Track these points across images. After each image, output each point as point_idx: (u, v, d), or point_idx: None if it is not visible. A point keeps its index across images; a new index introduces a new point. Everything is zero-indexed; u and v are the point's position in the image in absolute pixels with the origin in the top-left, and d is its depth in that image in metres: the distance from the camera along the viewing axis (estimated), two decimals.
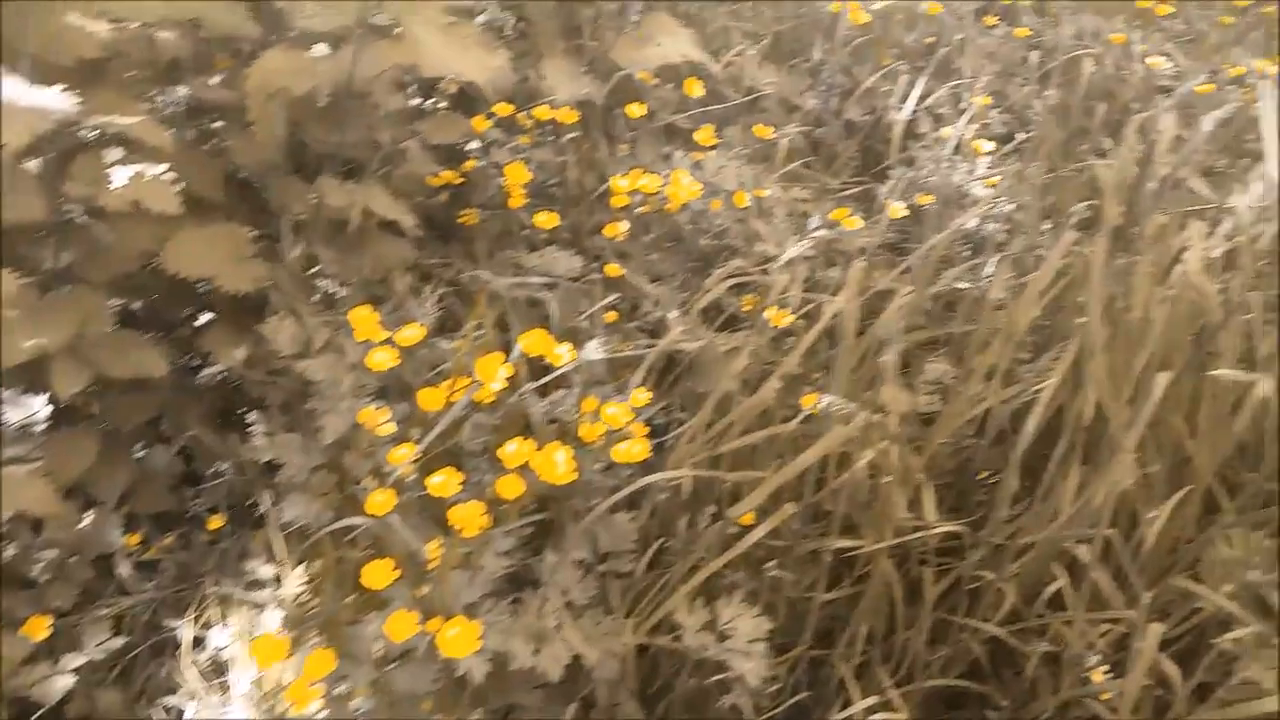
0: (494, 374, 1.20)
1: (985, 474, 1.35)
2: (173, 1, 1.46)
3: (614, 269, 1.68)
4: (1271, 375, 1.17)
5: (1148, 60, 2.22)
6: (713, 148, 2.09)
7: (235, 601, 1.49)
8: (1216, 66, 2.18)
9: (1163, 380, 1.16)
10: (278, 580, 1.49)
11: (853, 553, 1.30)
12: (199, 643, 1.44)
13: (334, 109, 1.63)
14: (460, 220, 1.82)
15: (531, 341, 1.27)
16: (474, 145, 1.89)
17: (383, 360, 1.25)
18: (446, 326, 1.63)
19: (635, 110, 1.87)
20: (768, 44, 2.55)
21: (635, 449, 1.18)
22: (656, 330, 1.67)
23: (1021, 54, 2.28)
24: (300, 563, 1.42)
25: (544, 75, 1.95)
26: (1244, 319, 1.22)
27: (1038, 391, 1.27)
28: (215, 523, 1.59)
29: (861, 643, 1.31)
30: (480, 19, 2.39)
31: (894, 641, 1.32)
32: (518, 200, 1.75)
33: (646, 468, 1.26)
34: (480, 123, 1.72)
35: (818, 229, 1.94)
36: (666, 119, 2.17)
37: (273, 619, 1.44)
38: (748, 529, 1.20)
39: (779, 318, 1.44)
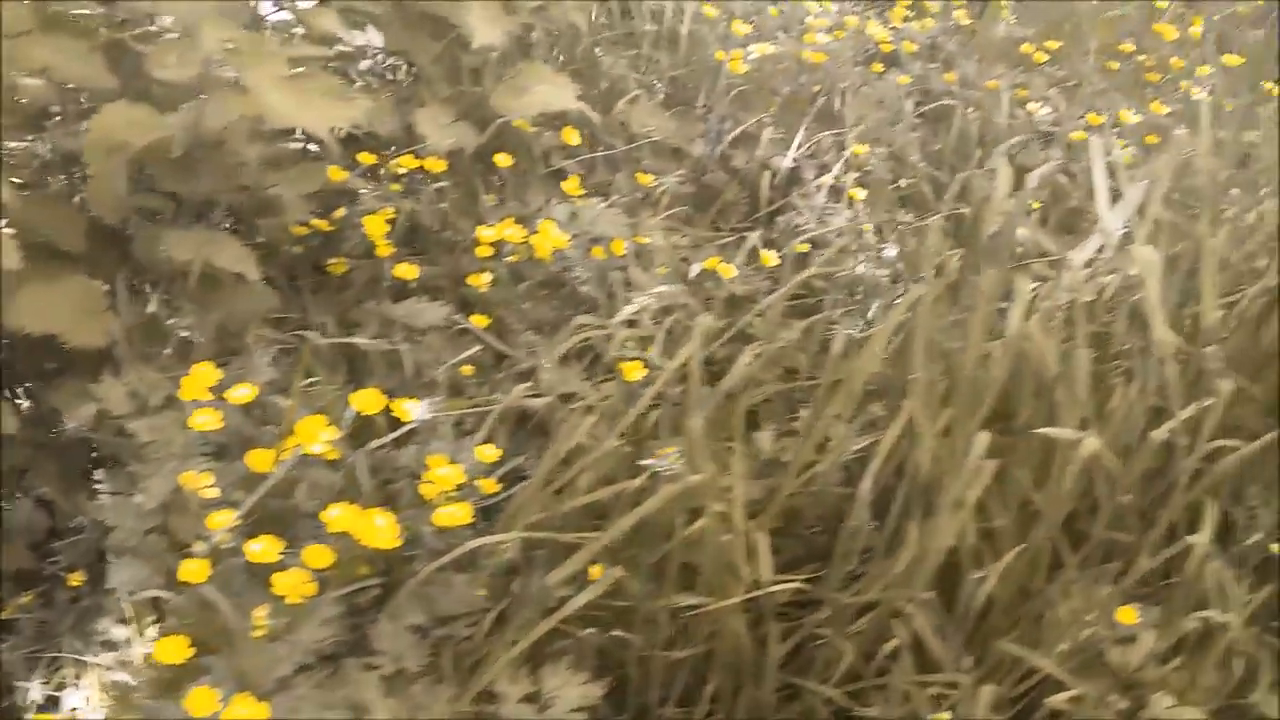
0: (315, 436, 1.17)
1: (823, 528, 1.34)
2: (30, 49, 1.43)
3: (480, 319, 1.66)
4: (1097, 433, 1.18)
5: (1027, 106, 2.25)
6: (597, 195, 2.09)
7: (89, 664, 1.44)
8: (1089, 112, 2.21)
9: (984, 438, 1.16)
10: (129, 642, 1.44)
11: (700, 610, 1.28)
12: (51, 704, 1.38)
13: (187, 160, 1.60)
14: (329, 270, 1.79)
15: (363, 400, 1.24)
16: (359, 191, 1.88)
17: (206, 421, 1.21)
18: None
19: (503, 160, 1.86)
20: (663, 91, 2.56)
21: (457, 513, 1.14)
22: (529, 380, 1.65)
23: (903, 101, 2.31)
24: (152, 624, 1.37)
25: (416, 123, 1.93)
26: (1079, 372, 1.22)
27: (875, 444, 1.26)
28: (76, 580, 1.54)
29: (707, 703, 1.29)
30: (366, 64, 2.39)
31: (741, 700, 1.30)
32: (384, 250, 1.72)
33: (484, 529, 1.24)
34: (336, 173, 1.69)
35: (695, 276, 1.94)
36: (557, 165, 2.17)
37: (121, 681, 1.38)
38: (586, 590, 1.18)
39: (630, 370, 1.43)
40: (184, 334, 1.59)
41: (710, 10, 2.40)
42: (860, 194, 2.07)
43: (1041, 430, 1.20)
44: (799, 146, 2.28)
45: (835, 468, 1.35)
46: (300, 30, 1.96)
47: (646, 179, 2.11)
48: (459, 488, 1.32)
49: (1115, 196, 1.32)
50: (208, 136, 1.57)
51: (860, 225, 2.03)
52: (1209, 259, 1.31)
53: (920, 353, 1.21)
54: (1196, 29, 2.37)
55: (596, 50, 2.58)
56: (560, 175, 2.27)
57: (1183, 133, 1.75)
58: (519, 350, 1.71)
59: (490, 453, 1.33)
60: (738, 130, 2.36)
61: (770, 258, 1.89)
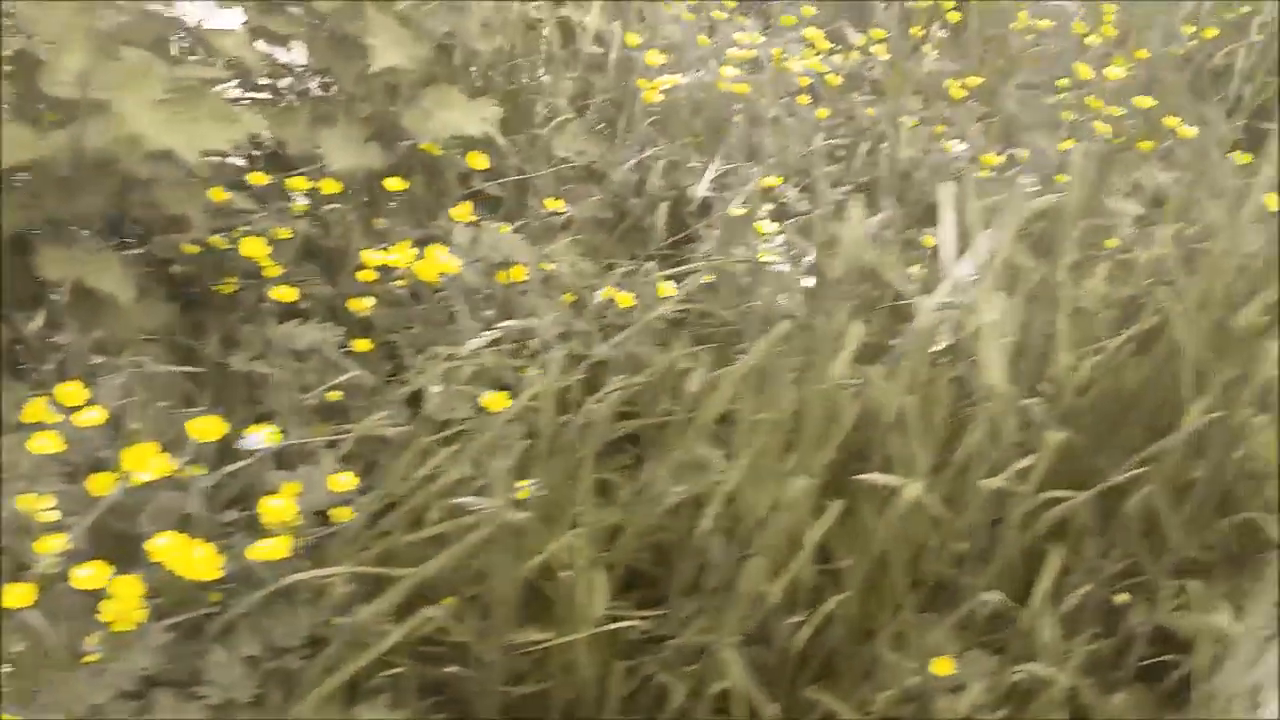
0: (144, 462, 1.17)
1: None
2: None
3: (363, 343, 1.66)
4: (918, 480, 1.18)
5: (943, 143, 2.26)
6: (512, 219, 2.10)
7: None
8: (991, 152, 2.23)
9: (801, 483, 1.16)
10: None
11: (541, 646, 1.28)
12: None
13: (71, 179, 1.61)
14: (218, 289, 1.79)
15: (201, 427, 1.24)
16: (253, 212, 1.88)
17: (44, 444, 1.21)
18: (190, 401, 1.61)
19: (395, 184, 1.86)
20: (594, 116, 2.57)
21: (275, 546, 1.14)
22: (412, 404, 1.65)
23: (820, 134, 2.32)
24: None
25: (320, 143, 1.94)
26: (911, 419, 1.23)
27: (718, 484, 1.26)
28: None
29: None
30: (287, 82, 2.39)
31: None
32: (272, 270, 1.73)
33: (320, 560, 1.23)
34: (219, 193, 1.70)
35: (596, 304, 1.94)
36: (478, 186, 2.18)
37: None
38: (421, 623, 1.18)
39: (493, 402, 1.43)
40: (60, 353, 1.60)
41: (632, 38, 2.41)
42: (767, 226, 2.07)
43: (862, 476, 1.20)
44: (716, 176, 2.29)
45: (688, 505, 1.35)
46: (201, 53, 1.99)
47: (557, 204, 2.11)
48: (319, 514, 1.34)
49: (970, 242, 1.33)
50: (95, 156, 1.58)
51: (760, 256, 2.03)
52: (1064, 305, 1.31)
53: (747, 391, 1.21)
54: (1118, 70, 2.38)
55: (540, 73, 2.60)
56: (480, 198, 2.28)
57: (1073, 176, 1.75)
58: (411, 374, 1.72)
59: (345, 481, 1.33)
60: (660, 157, 2.37)
61: (667, 289, 1.89)
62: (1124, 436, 1.36)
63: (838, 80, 2.45)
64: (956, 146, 2.26)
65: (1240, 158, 1.95)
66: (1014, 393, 1.24)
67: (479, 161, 2.04)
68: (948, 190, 1.36)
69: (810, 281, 1.97)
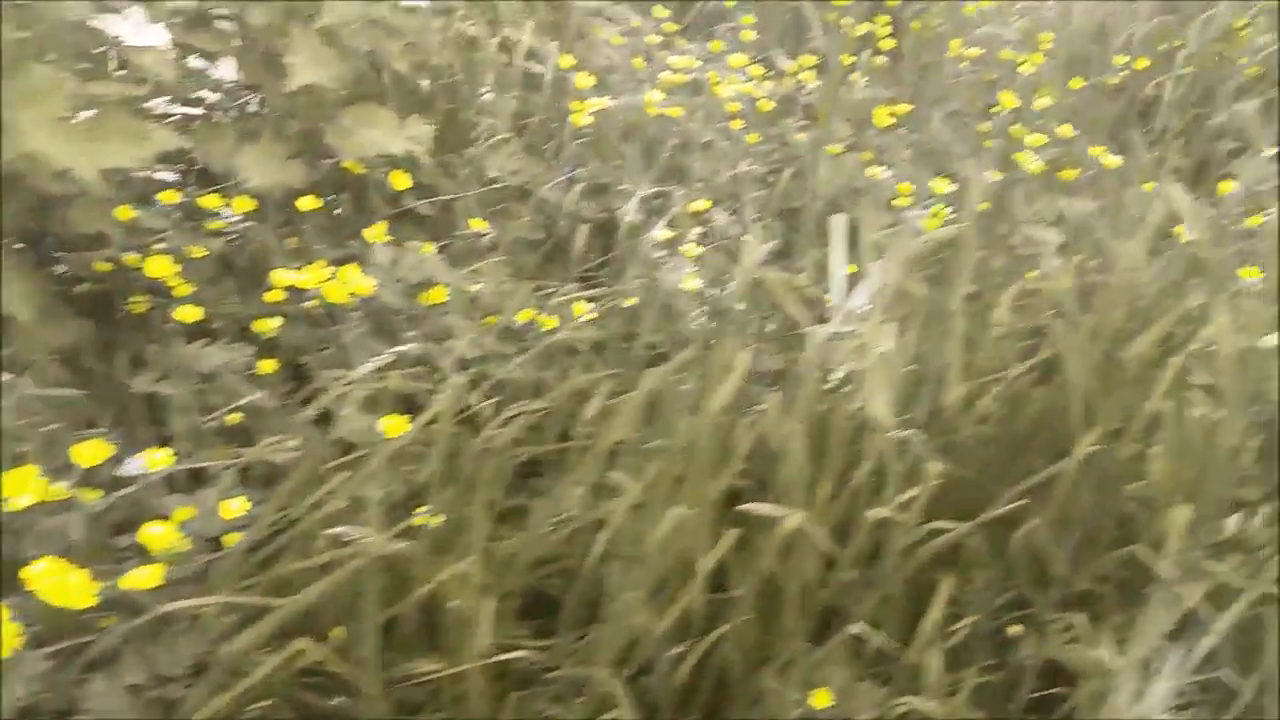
0: (24, 487, 1.15)
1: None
2: None
3: (268, 364, 1.64)
4: (800, 511, 1.18)
5: (867, 170, 2.27)
6: (440, 238, 2.09)
7: None
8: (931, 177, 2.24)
9: (675, 512, 1.16)
10: None
11: (431, 677, 1.27)
12: None
13: None
14: (130, 308, 1.76)
15: (84, 451, 1.22)
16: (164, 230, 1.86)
17: None
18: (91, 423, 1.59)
19: (308, 203, 1.85)
20: (529, 136, 2.57)
21: (146, 575, 1.13)
22: (323, 422, 1.64)
23: (751, 159, 2.33)
24: None
25: (239, 160, 1.92)
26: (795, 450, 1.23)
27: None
28: None
29: None
30: (216, 98, 2.37)
31: None
32: (183, 290, 1.71)
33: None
34: (125, 212, 1.68)
35: (519, 326, 1.94)
36: (408, 205, 2.18)
37: None
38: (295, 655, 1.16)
39: (394, 427, 1.41)
40: None
41: (566, 60, 2.41)
42: (695, 250, 2.08)
43: (744, 507, 1.20)
44: (647, 198, 2.29)
45: (585, 532, 1.34)
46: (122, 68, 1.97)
47: (481, 224, 2.11)
48: (211, 540, 1.32)
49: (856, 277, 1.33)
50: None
51: (684, 280, 2.04)
52: (956, 336, 1.32)
53: (626, 422, 1.21)
54: (1043, 100, 2.41)
55: (483, 92, 2.60)
56: (411, 217, 2.28)
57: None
58: (321, 396, 1.70)
59: (237, 506, 1.32)
60: (591, 179, 2.37)
61: (584, 310, 1.88)
62: (1021, 467, 1.37)
63: (770, 106, 2.46)
64: (884, 173, 2.27)
65: (1150, 187, 1.97)
66: (896, 424, 1.24)
67: (402, 181, 2.03)
68: (839, 221, 1.37)
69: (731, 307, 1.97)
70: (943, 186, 1.99)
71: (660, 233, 2.15)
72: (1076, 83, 2.71)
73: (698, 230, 2.21)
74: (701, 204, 2.23)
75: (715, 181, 2.35)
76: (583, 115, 2.20)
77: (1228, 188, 1.88)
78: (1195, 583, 1.23)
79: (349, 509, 1.24)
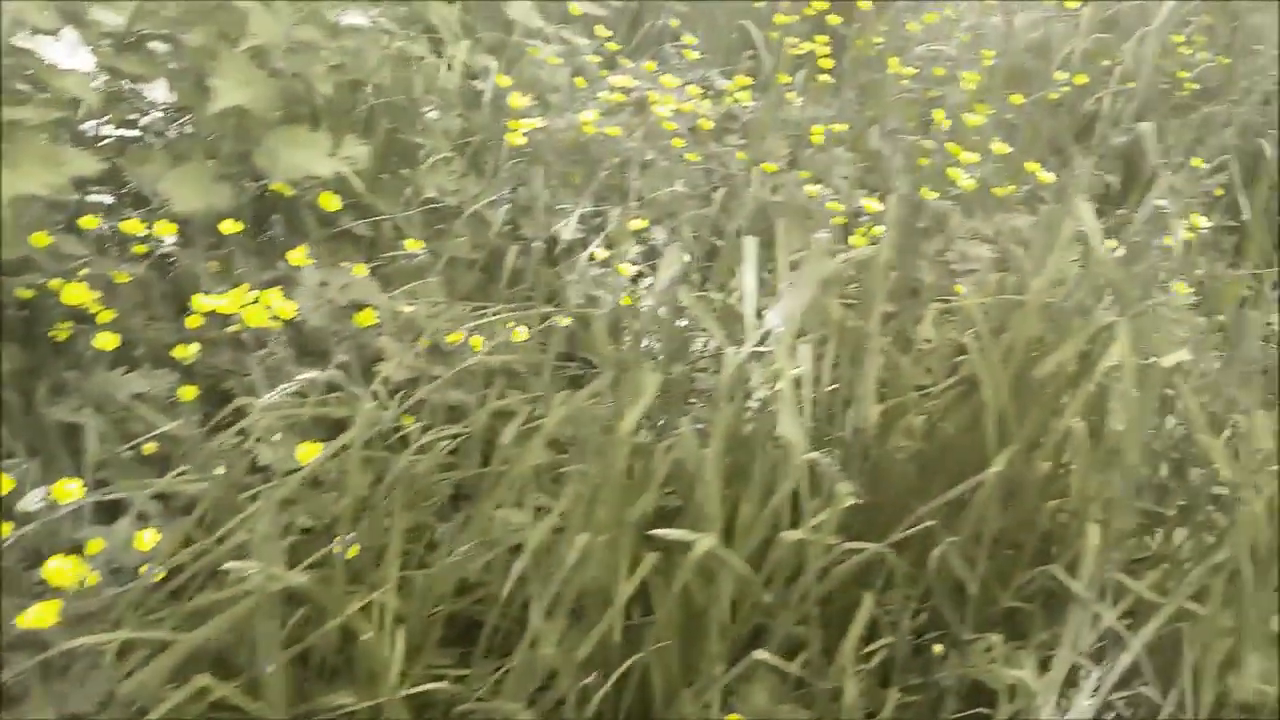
0: None
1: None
2: None
3: (188, 391, 1.61)
4: (712, 535, 1.17)
5: (805, 188, 2.28)
6: (374, 259, 2.08)
7: None
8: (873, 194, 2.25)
9: (583, 539, 1.15)
10: None
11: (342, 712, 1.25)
12: None
13: None
14: (53, 335, 1.73)
15: None
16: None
17: None
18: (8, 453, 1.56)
19: (229, 226, 1.83)
20: (470, 155, 2.55)
21: (40, 614, 1.10)
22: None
23: (690, 178, 2.32)
24: None
25: (163, 184, 1.90)
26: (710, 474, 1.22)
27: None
28: None
29: None
30: (148, 120, 2.35)
31: None
32: (105, 315, 1.68)
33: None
34: (40, 239, 1.65)
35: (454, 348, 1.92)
36: (346, 225, 2.16)
37: None
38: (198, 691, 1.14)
39: (306, 454, 1.39)
40: None
41: (503, 79, 2.40)
42: (629, 269, 2.07)
43: (656, 532, 1.19)
44: (586, 217, 2.28)
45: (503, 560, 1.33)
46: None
47: (417, 244, 2.09)
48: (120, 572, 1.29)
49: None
50: None
51: (622, 299, 2.03)
52: (871, 357, 1.32)
53: (534, 450, 1.20)
54: (979, 117, 2.42)
55: (428, 110, 2.59)
56: (348, 237, 2.26)
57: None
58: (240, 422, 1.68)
59: (148, 539, 1.29)
60: (530, 198, 2.36)
61: (520, 333, 1.87)
62: (942, 485, 1.36)
63: (710, 124, 2.46)
64: (821, 192, 2.27)
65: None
66: (812, 445, 1.23)
67: (331, 203, 2.01)
68: (750, 243, 1.36)
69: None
70: (873, 205, 1.99)
71: (597, 251, 2.14)
72: (1017, 99, 2.73)
73: (637, 249, 2.21)
74: (639, 223, 2.22)
75: (656, 200, 2.34)
76: (518, 135, 2.18)
77: (1135, 203, 1.90)
78: (1113, 599, 1.23)
79: (258, 539, 1.22)
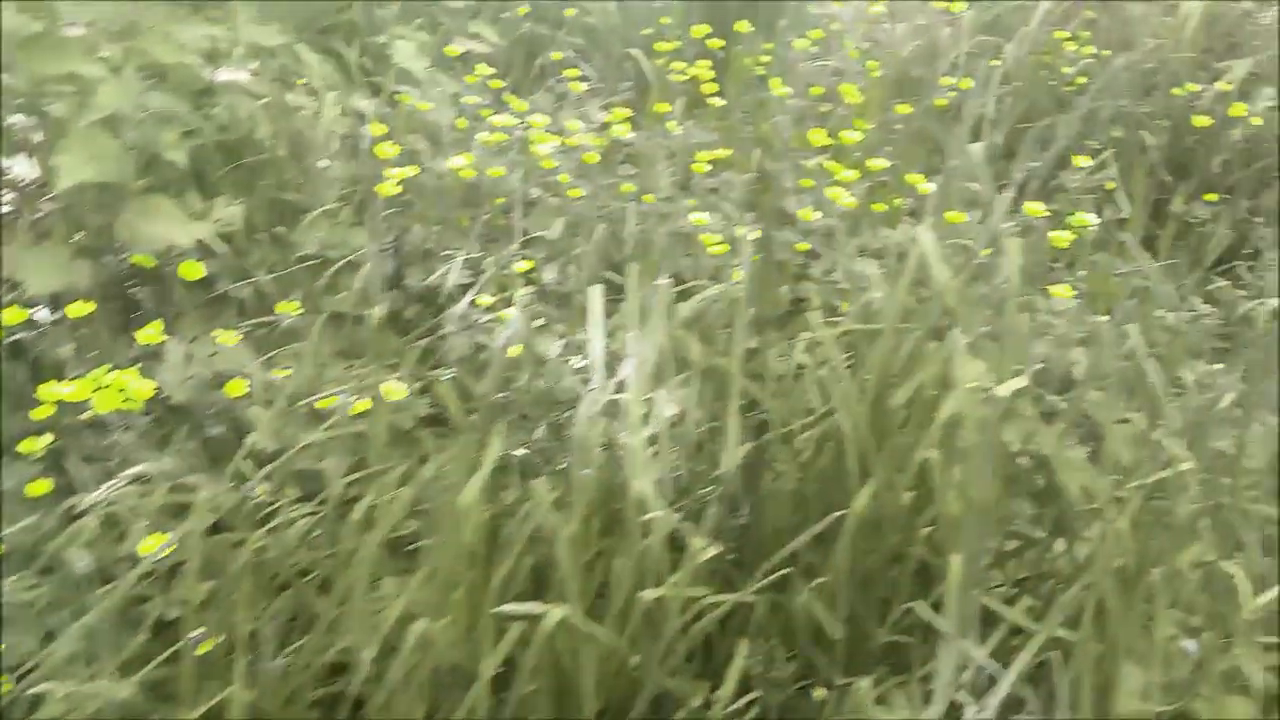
0: None
1: None
2: None
3: (40, 486, 1.54)
4: (569, 607, 1.12)
5: (691, 217, 2.24)
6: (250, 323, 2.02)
7: None
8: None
9: (418, 626, 1.10)
10: None
11: None
12: None
13: None
14: None
15: None
16: None
17: None
18: None
19: (77, 309, 1.76)
20: (351, 207, 2.50)
21: None
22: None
23: (574, 214, 2.29)
24: None
25: (15, 267, 1.83)
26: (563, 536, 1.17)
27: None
28: None
29: None
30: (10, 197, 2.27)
31: None
32: None
33: None
34: None
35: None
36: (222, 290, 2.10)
37: None
38: None
39: (146, 546, 1.33)
40: None
41: (377, 127, 2.36)
42: (511, 314, 2.02)
43: (503, 608, 1.14)
44: (471, 262, 2.23)
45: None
46: None
47: (290, 306, 2.03)
48: None
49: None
50: None
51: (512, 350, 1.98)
52: (733, 395, 1.28)
53: (389, 517, 1.15)
54: (857, 134, 2.40)
55: (308, 164, 2.53)
56: (227, 301, 2.20)
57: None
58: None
59: None
60: (413, 246, 2.31)
61: (395, 391, 1.81)
62: (815, 523, 1.32)
63: (595, 158, 2.42)
64: (706, 220, 2.24)
65: (955, 217, 1.96)
66: (661, 499, 1.19)
67: (193, 272, 1.95)
68: (596, 291, 1.32)
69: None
70: (743, 231, 1.96)
71: (482, 298, 2.09)
72: (904, 108, 2.72)
73: (526, 290, 2.16)
74: (524, 265, 2.18)
75: (544, 239, 2.30)
76: (391, 184, 2.14)
77: (958, 219, 1.89)
78: (986, 629, 1.20)
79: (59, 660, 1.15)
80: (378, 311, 2.28)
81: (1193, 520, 1.20)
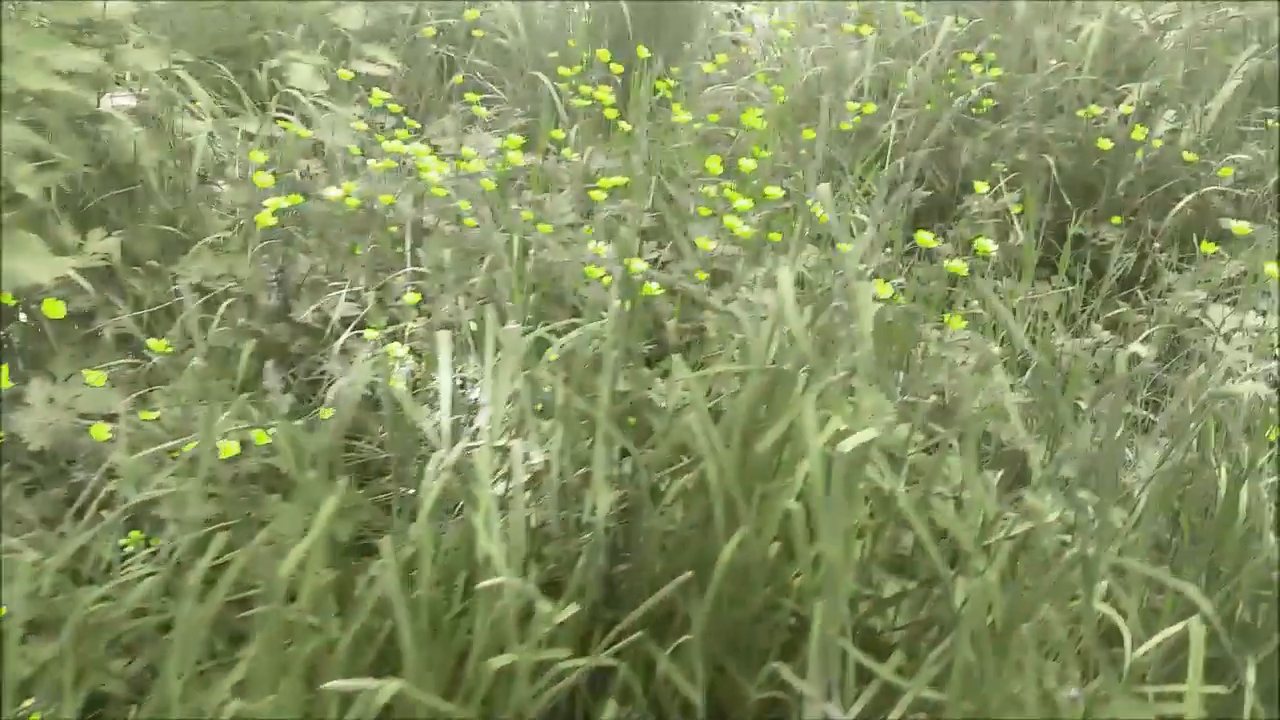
0: None
1: None
2: None
3: None
4: (404, 680, 1.05)
5: (591, 245, 2.19)
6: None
7: None
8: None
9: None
10: None
11: None
12: None
13: None
14: None
15: None
16: None
17: None
18: None
19: None
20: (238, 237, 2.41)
21: None
22: None
23: (479, 243, 2.22)
24: None
25: None
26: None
27: None
28: None
29: None
30: None
31: None
32: None
33: None
34: None
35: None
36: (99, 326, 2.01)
37: None
38: None
39: None
40: None
41: (256, 155, 2.28)
42: (400, 349, 1.95)
43: (326, 685, 1.07)
44: (360, 293, 2.16)
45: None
46: None
47: (160, 345, 1.94)
48: None
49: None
50: None
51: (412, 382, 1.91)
52: (599, 447, 1.22)
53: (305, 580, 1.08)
54: (751, 162, 2.36)
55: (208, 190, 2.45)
56: (102, 340, 2.11)
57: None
58: None
59: None
60: (303, 276, 2.23)
61: (264, 435, 1.73)
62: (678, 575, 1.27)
63: (491, 185, 2.36)
64: (605, 249, 2.19)
65: (845, 248, 1.92)
66: (512, 558, 1.12)
67: (54, 310, 1.85)
68: (444, 337, 1.26)
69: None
70: (634, 266, 1.91)
71: (370, 331, 2.01)
72: (809, 134, 2.69)
73: (419, 322, 2.09)
74: (413, 296, 2.11)
75: (439, 270, 2.22)
76: (268, 215, 2.06)
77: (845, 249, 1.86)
78: (860, 688, 1.15)
79: None
80: (247, 350, 2.21)
81: (1068, 569, 1.16)
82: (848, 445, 1.02)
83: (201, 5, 3.15)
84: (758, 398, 1.22)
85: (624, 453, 1.35)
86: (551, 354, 1.32)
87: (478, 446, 1.15)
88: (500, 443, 1.19)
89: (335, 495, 1.11)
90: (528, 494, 1.30)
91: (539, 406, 1.27)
